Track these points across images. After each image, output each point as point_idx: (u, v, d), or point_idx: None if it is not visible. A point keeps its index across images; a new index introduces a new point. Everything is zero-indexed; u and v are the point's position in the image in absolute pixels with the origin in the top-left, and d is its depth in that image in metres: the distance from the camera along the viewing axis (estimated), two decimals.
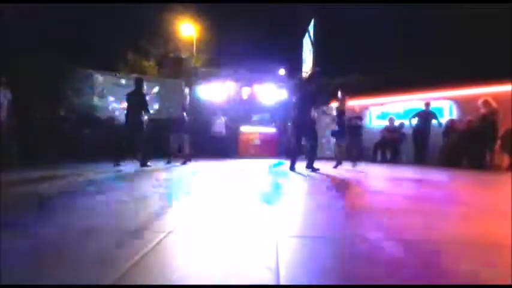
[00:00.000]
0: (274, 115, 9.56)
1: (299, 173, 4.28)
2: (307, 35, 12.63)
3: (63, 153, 6.15)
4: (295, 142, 4.84)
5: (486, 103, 6.06)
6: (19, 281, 0.86)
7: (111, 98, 8.07)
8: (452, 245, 1.23)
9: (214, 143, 8.38)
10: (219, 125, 8.55)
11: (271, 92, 9.62)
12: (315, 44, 11.64)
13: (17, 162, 4.97)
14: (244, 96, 9.74)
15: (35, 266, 0.96)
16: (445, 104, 7.67)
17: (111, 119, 7.50)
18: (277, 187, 2.93)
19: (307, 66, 12.02)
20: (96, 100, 7.91)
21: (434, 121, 7.04)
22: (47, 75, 6.67)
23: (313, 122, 4.86)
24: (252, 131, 9.28)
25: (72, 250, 1.11)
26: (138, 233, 1.31)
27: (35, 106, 5.98)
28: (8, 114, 5.12)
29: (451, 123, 7.02)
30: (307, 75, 10.79)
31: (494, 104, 6.01)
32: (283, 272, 0.91)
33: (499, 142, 6.14)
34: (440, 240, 1.31)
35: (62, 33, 9.93)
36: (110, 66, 10.13)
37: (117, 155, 4.96)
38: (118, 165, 4.82)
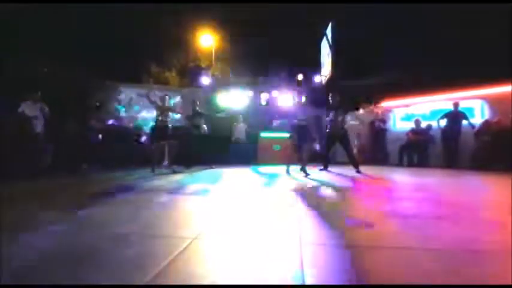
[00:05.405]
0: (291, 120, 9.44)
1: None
2: (325, 38, 12.51)
3: (92, 162, 6.46)
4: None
5: None
6: None
7: (137, 109, 8.49)
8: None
9: (234, 150, 8.44)
10: (240, 131, 8.63)
11: (290, 97, 9.59)
12: (333, 47, 11.49)
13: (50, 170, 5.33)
14: (263, 102, 9.80)
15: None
16: (476, 103, 7.23)
17: (139, 129, 7.82)
18: None
19: (325, 70, 11.87)
20: (123, 112, 8.36)
21: (464, 122, 6.68)
22: (78, 89, 7.18)
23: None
24: (272, 136, 9.22)
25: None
26: None
27: (66, 118, 6.38)
28: (45, 126, 5.53)
29: (485, 123, 6.60)
30: (326, 78, 10.67)
31: None
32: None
33: None
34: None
35: (90, 50, 10.64)
36: (135, 79, 10.67)
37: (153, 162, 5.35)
38: (153, 170, 5.14)
